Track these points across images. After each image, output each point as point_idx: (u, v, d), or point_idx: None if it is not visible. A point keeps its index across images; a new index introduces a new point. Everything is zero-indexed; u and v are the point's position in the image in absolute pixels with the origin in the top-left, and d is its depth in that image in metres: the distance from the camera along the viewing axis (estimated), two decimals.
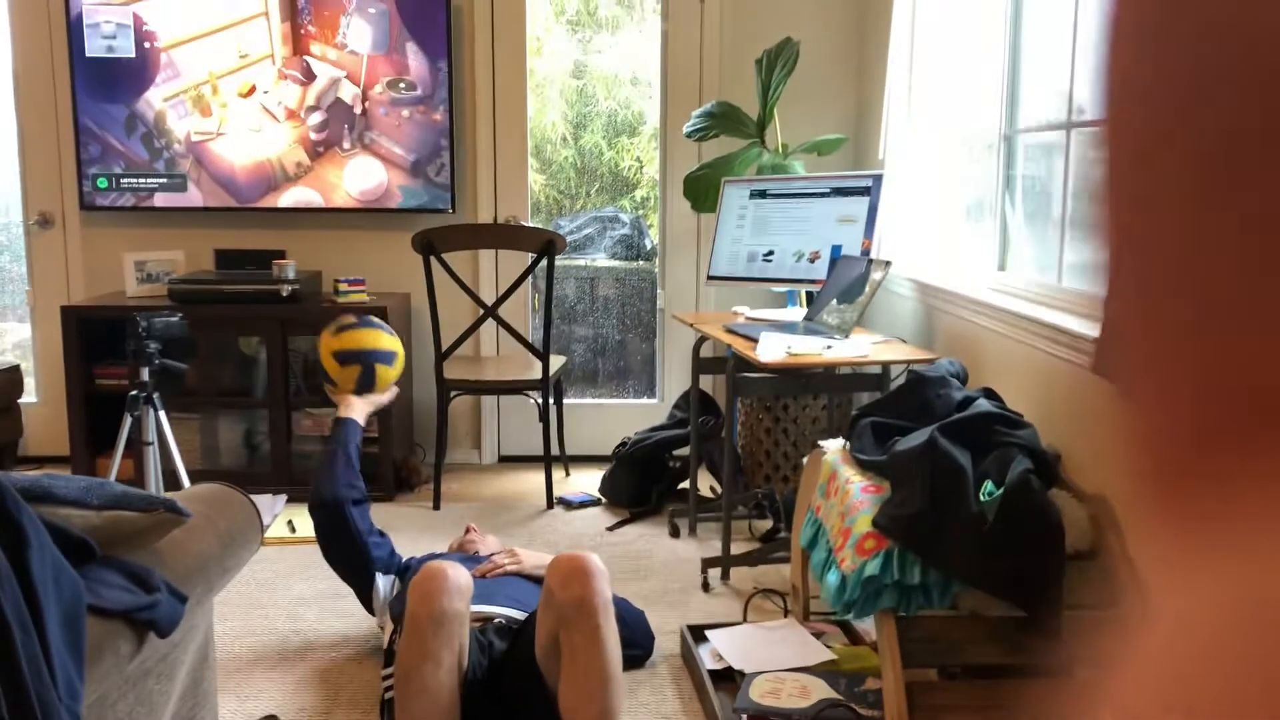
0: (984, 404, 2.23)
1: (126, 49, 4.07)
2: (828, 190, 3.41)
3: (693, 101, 4.23)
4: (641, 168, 4.55)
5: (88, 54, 4.06)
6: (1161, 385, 0.21)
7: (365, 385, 2.79)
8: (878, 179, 3.30)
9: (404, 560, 2.69)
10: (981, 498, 1.97)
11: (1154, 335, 0.21)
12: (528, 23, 4.25)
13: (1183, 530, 0.21)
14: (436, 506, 3.81)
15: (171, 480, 3.26)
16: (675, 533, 3.55)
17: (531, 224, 4.35)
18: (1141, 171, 0.21)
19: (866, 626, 2.64)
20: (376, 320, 2.86)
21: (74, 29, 4.04)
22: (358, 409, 2.78)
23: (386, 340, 2.82)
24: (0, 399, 4.05)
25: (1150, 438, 0.22)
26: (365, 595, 2.62)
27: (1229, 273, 0.20)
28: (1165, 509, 0.22)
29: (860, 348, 2.89)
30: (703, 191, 3.82)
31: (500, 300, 3.77)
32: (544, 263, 3.71)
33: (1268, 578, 0.18)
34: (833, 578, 2.07)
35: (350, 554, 2.59)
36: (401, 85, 4.12)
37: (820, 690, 2.24)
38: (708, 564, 3.12)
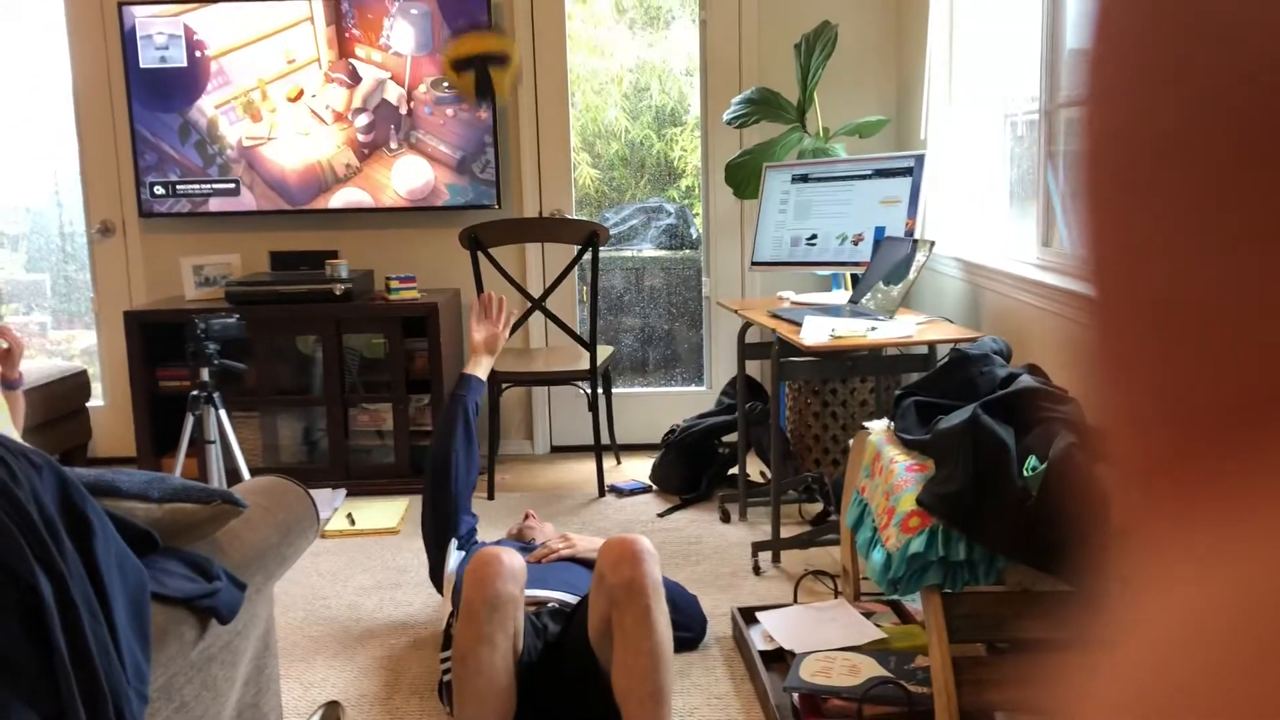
0: (1027, 380, 2.22)
1: (178, 59, 4.18)
2: (870, 172, 3.41)
3: (733, 89, 4.24)
4: (687, 157, 4.57)
5: (141, 65, 4.17)
6: (1151, 369, 0.21)
7: (483, 90, 2.83)
8: (920, 159, 3.29)
9: (478, 544, 2.74)
10: (1025, 473, 1.97)
11: (1150, 324, 0.21)
12: (583, 21, 4.28)
13: (1178, 528, 0.21)
14: (491, 497, 3.88)
15: (234, 477, 3.35)
16: (726, 518, 3.57)
17: (576, 217, 4.40)
18: (1126, 148, 0.21)
19: (917, 606, 2.64)
20: (492, 24, 2.89)
21: (128, 42, 4.15)
22: (483, 365, 2.94)
23: (495, 42, 2.86)
24: (69, 403, 4.19)
25: (1146, 434, 0.22)
26: (439, 560, 2.69)
27: (1227, 255, 0.20)
28: (1160, 506, 0.22)
29: (905, 328, 2.89)
30: (744, 178, 3.84)
31: (547, 293, 3.82)
32: (589, 254, 3.75)
33: (1267, 575, 0.18)
34: (878, 556, 2.09)
35: (440, 513, 2.68)
36: (445, 85, 4.18)
37: (870, 668, 2.26)
38: (758, 548, 3.14)
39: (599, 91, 4.52)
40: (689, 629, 2.63)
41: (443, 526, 2.68)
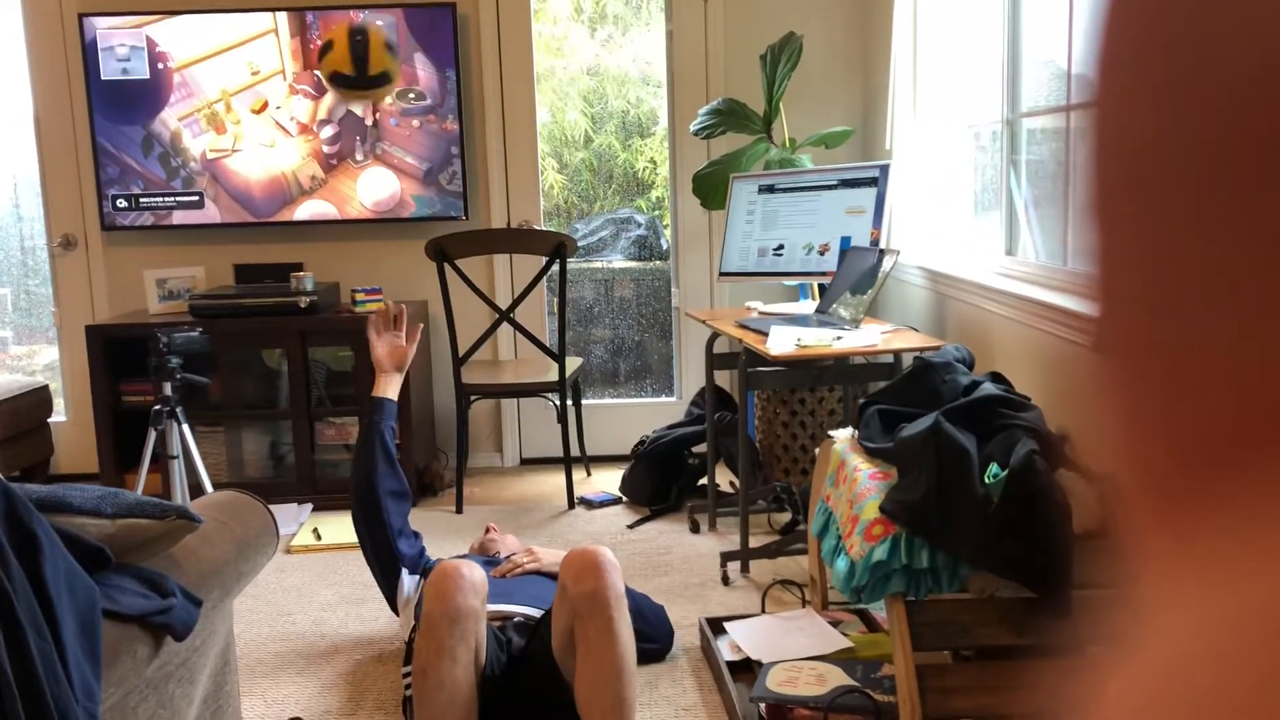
0: (989, 388, 2.24)
1: (140, 70, 4.14)
2: (835, 182, 3.42)
3: (700, 99, 4.25)
4: (656, 168, 4.58)
5: (103, 77, 4.13)
6: (1161, 390, 0.21)
7: None
8: (884, 169, 3.30)
9: (432, 561, 2.72)
10: (987, 480, 1.98)
11: (1157, 343, 0.21)
12: (546, 20, 4.28)
13: (1184, 545, 0.21)
14: (459, 510, 3.85)
15: (197, 493, 3.32)
16: (695, 528, 3.57)
17: (544, 228, 4.39)
18: (1136, 162, 0.21)
19: (883, 614, 2.65)
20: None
21: (89, 53, 4.11)
22: (393, 385, 2.81)
23: None
24: (30, 419, 4.13)
25: (1150, 451, 0.22)
26: (391, 592, 2.66)
27: (1237, 271, 0.19)
28: (1165, 523, 0.21)
29: (870, 337, 2.90)
30: (712, 189, 3.84)
31: (515, 304, 3.81)
32: (557, 265, 3.75)
33: (1269, 592, 0.18)
34: (842, 564, 2.09)
35: (380, 549, 2.62)
36: (411, 95, 4.17)
37: (836, 677, 2.25)
38: (727, 558, 3.14)
39: (560, 94, 4.52)
40: (656, 640, 2.62)
41: (387, 562, 2.61)
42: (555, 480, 4.21)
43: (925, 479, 2.01)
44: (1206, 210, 0.20)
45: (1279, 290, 0.19)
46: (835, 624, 2.59)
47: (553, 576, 2.59)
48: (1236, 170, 0.19)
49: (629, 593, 2.58)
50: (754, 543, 3.20)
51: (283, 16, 4.12)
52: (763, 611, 2.73)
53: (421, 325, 2.95)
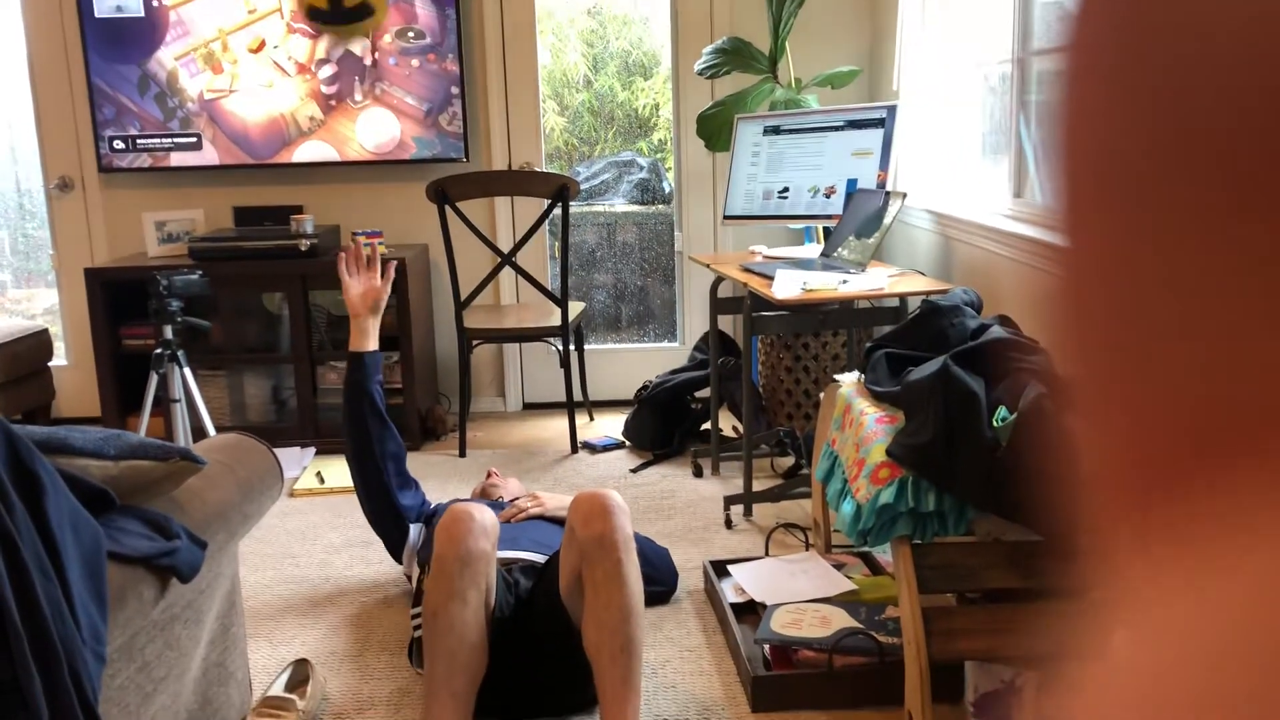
0: (998, 331, 2.21)
1: (135, 8, 4.07)
2: (842, 124, 3.37)
3: (704, 39, 4.18)
4: (658, 109, 4.52)
5: (96, 15, 4.06)
6: (1139, 386, 0.21)
7: None
8: (892, 110, 3.25)
9: (431, 506, 2.72)
10: (995, 423, 1.97)
11: (1135, 336, 0.21)
12: None
13: (1164, 539, 0.21)
14: (463, 454, 3.85)
15: (200, 436, 3.31)
16: (698, 472, 3.57)
17: (545, 170, 4.34)
18: (1107, 166, 0.21)
19: (887, 557, 2.65)
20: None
21: None
22: (371, 334, 2.69)
23: None
24: (30, 362, 4.12)
25: (1124, 453, 0.22)
26: (395, 546, 2.66)
27: (1214, 265, 0.20)
28: (1145, 517, 0.22)
29: (876, 281, 2.87)
30: (716, 129, 3.79)
31: (517, 247, 3.77)
32: (559, 209, 3.71)
33: (1254, 590, 0.18)
34: (848, 507, 2.08)
35: (383, 512, 2.61)
36: (410, 34, 4.09)
37: (841, 619, 2.26)
38: (730, 501, 3.14)
39: (560, 36, 4.44)
40: (660, 582, 2.62)
41: (390, 522, 2.60)
42: (558, 425, 4.21)
43: (933, 422, 1.99)
44: (1174, 215, 0.20)
45: (1246, 296, 0.19)
46: (839, 567, 2.59)
47: (557, 522, 2.59)
48: (1205, 175, 0.19)
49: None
50: (757, 487, 3.20)
51: None
52: (766, 554, 2.74)
53: (395, 263, 2.82)
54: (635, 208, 4.59)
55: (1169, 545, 0.21)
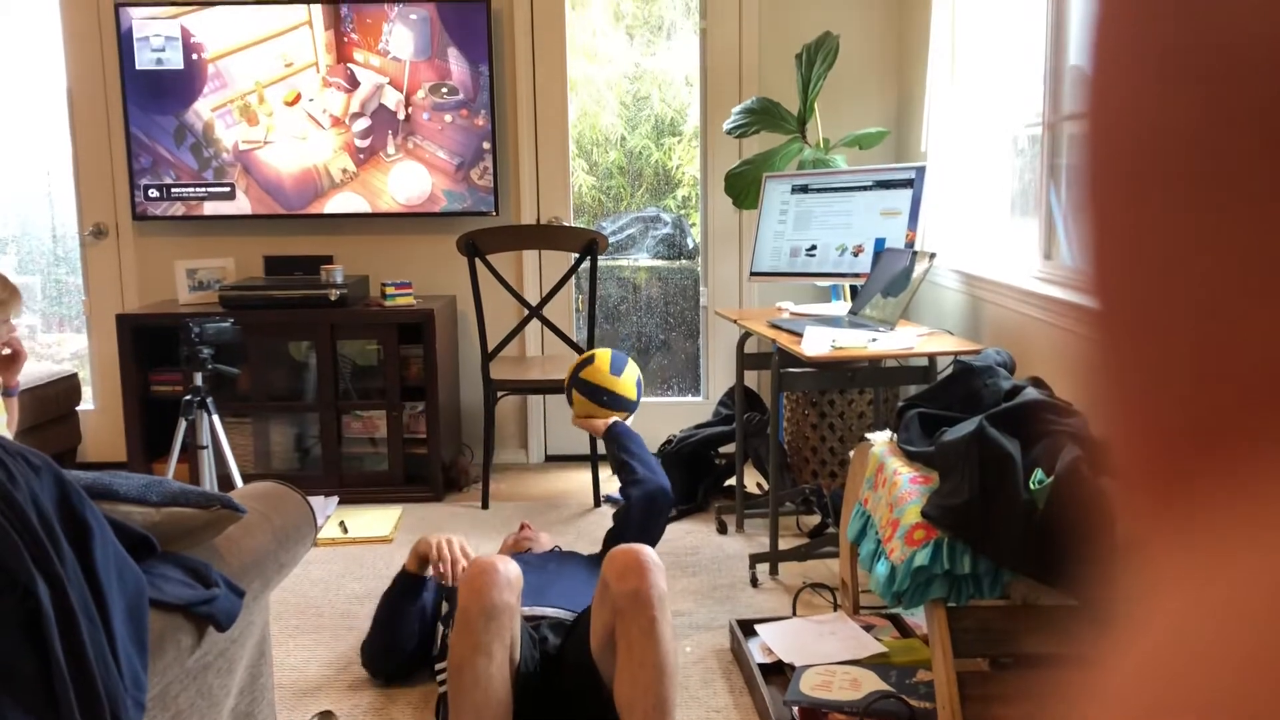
0: (1032, 392, 2.21)
1: (175, 61, 4.15)
2: (870, 184, 3.40)
3: (733, 99, 4.23)
4: (684, 167, 4.56)
5: (138, 67, 4.14)
6: (1156, 376, 0.21)
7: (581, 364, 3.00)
8: (921, 171, 3.28)
9: (435, 581, 2.61)
10: (1031, 486, 1.96)
11: (1148, 332, 0.21)
12: (580, 28, 4.27)
13: (1180, 528, 0.21)
14: (485, 506, 3.84)
15: (226, 483, 3.32)
16: (723, 529, 3.55)
17: (574, 224, 4.38)
18: (1132, 151, 0.21)
19: (917, 620, 2.62)
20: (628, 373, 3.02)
21: (124, 43, 4.12)
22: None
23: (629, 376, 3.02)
24: (59, 406, 4.15)
25: (1144, 432, 0.22)
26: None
27: (1222, 251, 0.20)
28: (1161, 505, 0.22)
29: (905, 340, 2.87)
30: (744, 188, 3.82)
31: (544, 300, 3.80)
32: (587, 262, 3.73)
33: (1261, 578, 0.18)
34: (882, 569, 2.07)
35: (406, 666, 2.55)
36: (444, 90, 4.16)
37: (871, 682, 2.23)
38: (756, 559, 3.12)
39: (597, 100, 4.51)
40: (657, 479, 2.68)
41: (414, 663, 2.53)
42: (580, 478, 4.20)
43: (968, 484, 1.98)
44: (1197, 200, 0.20)
45: (1265, 281, 0.19)
46: (868, 629, 2.56)
47: (585, 578, 2.57)
48: (1227, 160, 0.19)
49: (641, 446, 2.75)
50: (782, 545, 3.18)
51: (317, 9, 4.12)
52: (794, 614, 2.71)
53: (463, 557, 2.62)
54: (660, 263, 4.62)
55: (1194, 524, 0.21)
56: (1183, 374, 0.21)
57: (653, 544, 2.54)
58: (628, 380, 2.98)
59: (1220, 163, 0.19)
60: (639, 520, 2.62)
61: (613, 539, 2.64)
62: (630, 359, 3.04)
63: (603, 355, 3.00)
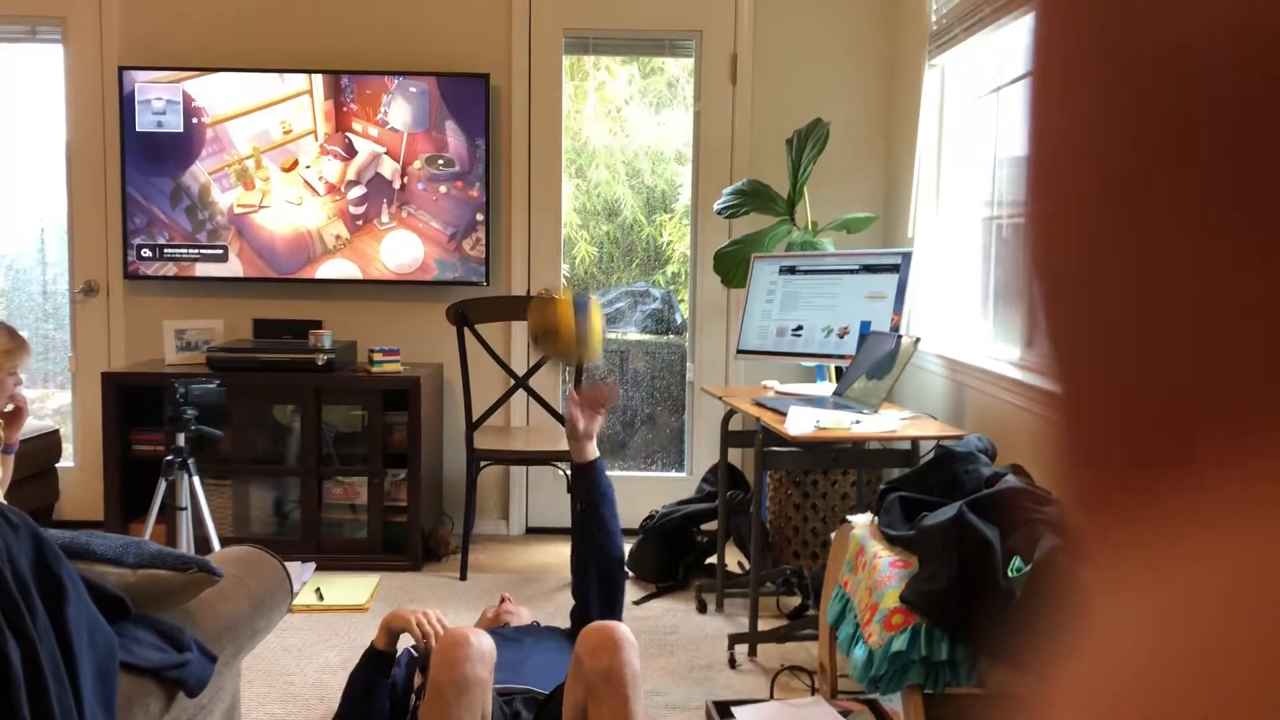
0: (1012, 480, 2.22)
1: (175, 124, 4.21)
2: (857, 267, 3.45)
3: (724, 179, 4.30)
4: (673, 243, 4.62)
5: (138, 129, 4.20)
6: (1101, 395, 0.22)
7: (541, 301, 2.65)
8: (907, 256, 3.33)
9: (408, 654, 2.56)
10: (1010, 573, 1.96)
11: (1092, 351, 0.22)
12: (575, 98, 4.36)
13: (1124, 547, 0.21)
14: (464, 577, 3.81)
15: (203, 546, 3.28)
16: (702, 608, 3.52)
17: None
18: (1072, 172, 0.22)
19: (895, 705, 2.60)
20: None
21: (126, 104, 4.18)
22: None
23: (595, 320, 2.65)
24: (38, 463, 4.11)
25: (1088, 460, 0.22)
26: None
27: (1165, 269, 0.20)
28: (1105, 525, 0.22)
29: (889, 423, 2.89)
30: (732, 267, 3.87)
31: (531, 371, 3.81)
32: None
33: (1212, 591, 0.18)
34: (860, 653, 2.06)
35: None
36: (440, 161, 4.22)
37: None
38: (735, 640, 3.10)
39: (610, 168, 4.58)
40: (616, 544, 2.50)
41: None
42: (561, 550, 4.17)
43: (948, 569, 1.98)
44: (1136, 218, 0.20)
45: (1228, 292, 0.19)
46: (845, 714, 2.54)
47: (562, 651, 2.55)
48: (1170, 175, 0.19)
49: (613, 502, 2.50)
50: (762, 625, 3.16)
51: (318, 79, 4.19)
52: (771, 697, 2.69)
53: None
54: (648, 337, 4.65)
55: (1139, 543, 0.21)
56: (1127, 394, 0.21)
57: (618, 614, 2.49)
58: (595, 319, 2.72)
59: (1160, 182, 0.20)
60: (601, 596, 2.55)
61: (579, 615, 2.59)
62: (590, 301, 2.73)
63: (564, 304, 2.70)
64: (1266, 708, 0.16)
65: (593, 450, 2.56)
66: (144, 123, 4.20)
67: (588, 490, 2.53)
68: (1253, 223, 0.19)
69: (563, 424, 3.80)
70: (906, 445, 3.07)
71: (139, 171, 4.22)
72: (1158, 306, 0.20)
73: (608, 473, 2.58)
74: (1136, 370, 0.21)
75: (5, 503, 1.25)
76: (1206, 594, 0.18)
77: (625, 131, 4.57)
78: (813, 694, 2.76)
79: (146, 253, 4.25)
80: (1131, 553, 0.21)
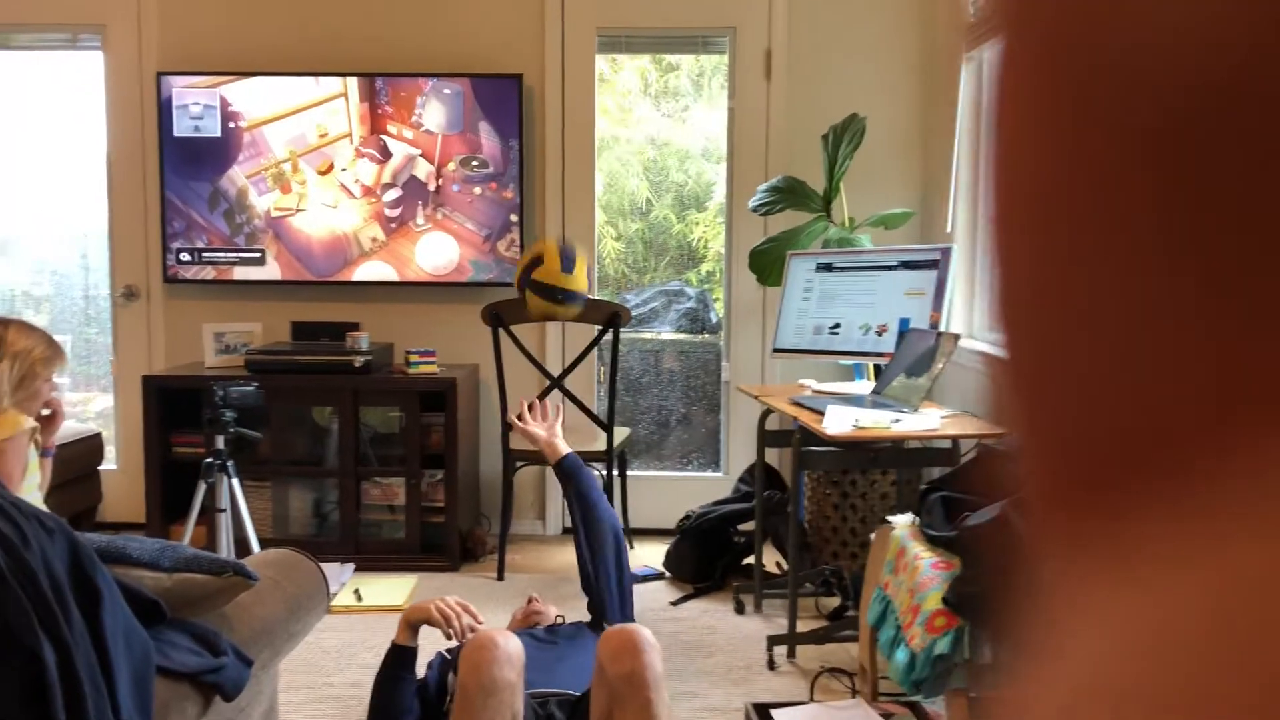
0: None
1: (212, 129, 4.24)
2: (895, 263, 3.40)
3: (759, 176, 4.27)
4: (707, 242, 4.59)
5: (176, 134, 4.23)
6: (1063, 412, 0.22)
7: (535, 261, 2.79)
8: (946, 252, 3.28)
9: (440, 656, 2.54)
10: None
11: (1052, 362, 0.22)
12: (616, 93, 4.34)
13: (1090, 555, 0.21)
14: (501, 577, 3.81)
15: (243, 547, 3.30)
16: (740, 609, 3.49)
17: (598, 297, 4.40)
18: (1038, 184, 0.22)
19: (938, 709, 2.56)
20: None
21: (164, 111, 4.22)
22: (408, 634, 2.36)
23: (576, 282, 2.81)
24: (81, 466, 4.16)
25: (1052, 468, 0.22)
26: None
27: (1150, 279, 0.20)
28: (1071, 534, 0.22)
29: (929, 421, 2.85)
30: (768, 265, 3.84)
31: (566, 372, 3.80)
32: (609, 335, 3.74)
33: (1175, 610, 0.18)
34: (901, 656, 2.03)
35: None
36: (474, 163, 4.22)
37: None
38: (773, 641, 3.07)
39: (623, 162, 4.56)
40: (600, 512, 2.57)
41: None
42: None
43: (991, 570, 1.95)
44: (1097, 234, 0.20)
45: (1180, 310, 0.19)
46: (886, 716, 2.50)
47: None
48: (1141, 189, 0.20)
49: (594, 485, 2.63)
50: (801, 627, 3.13)
51: (353, 81, 4.20)
52: (811, 699, 2.66)
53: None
54: (682, 336, 4.62)
55: (1100, 555, 0.21)
56: (1094, 399, 0.21)
57: (629, 591, 2.53)
58: (579, 274, 2.88)
59: (1120, 195, 0.20)
60: (615, 569, 2.56)
61: (597, 606, 2.56)
62: (577, 248, 2.89)
63: (551, 252, 2.88)
64: (1241, 706, 0.16)
65: (563, 447, 2.76)
66: (182, 128, 4.24)
67: (573, 481, 2.69)
68: (1193, 237, 0.19)
69: (599, 424, 3.79)
70: (947, 444, 3.03)
71: (177, 176, 4.26)
72: (1108, 316, 0.20)
73: (591, 466, 2.77)
74: (1091, 374, 0.21)
75: (44, 508, 1.25)
76: (1178, 593, 0.19)
77: (629, 124, 4.55)
78: (853, 696, 2.73)
79: (185, 256, 4.29)
80: (1096, 551, 0.21)
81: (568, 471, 2.70)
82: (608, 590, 2.51)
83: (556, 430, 2.81)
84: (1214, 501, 0.19)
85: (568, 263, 2.80)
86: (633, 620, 2.46)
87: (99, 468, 4.33)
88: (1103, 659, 0.19)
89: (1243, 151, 0.18)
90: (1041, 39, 0.21)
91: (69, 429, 4.16)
